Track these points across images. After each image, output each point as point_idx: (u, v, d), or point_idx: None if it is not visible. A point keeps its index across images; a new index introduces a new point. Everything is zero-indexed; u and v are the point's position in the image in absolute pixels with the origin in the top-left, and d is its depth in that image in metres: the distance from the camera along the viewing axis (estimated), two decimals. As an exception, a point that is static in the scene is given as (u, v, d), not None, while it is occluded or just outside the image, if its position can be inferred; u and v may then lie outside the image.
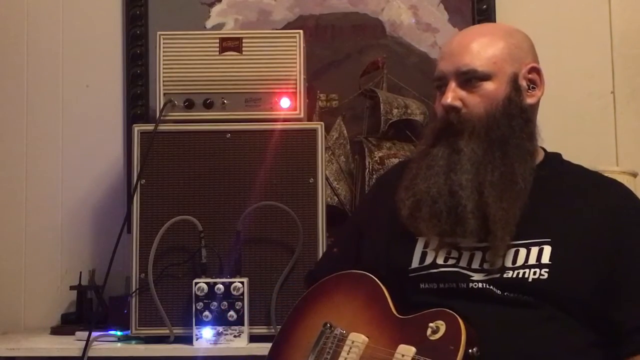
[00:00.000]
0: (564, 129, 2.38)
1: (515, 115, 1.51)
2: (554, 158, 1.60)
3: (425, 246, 1.52)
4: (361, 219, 1.73)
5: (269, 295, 1.98)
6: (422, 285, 1.49)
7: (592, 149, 2.35)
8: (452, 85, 1.52)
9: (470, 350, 1.34)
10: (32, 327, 2.38)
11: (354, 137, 2.40)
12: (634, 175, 2.20)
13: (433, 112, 2.25)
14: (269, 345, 1.90)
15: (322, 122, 2.09)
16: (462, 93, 1.51)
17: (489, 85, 1.51)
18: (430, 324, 1.39)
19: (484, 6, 2.41)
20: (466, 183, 1.45)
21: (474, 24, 2.40)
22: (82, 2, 2.51)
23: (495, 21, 2.39)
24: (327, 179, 2.25)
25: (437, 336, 1.38)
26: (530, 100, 1.55)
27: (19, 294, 2.44)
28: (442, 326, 1.38)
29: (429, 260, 1.50)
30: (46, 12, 2.50)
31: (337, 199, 2.31)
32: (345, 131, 2.39)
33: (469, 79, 1.51)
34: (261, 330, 1.98)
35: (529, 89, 1.55)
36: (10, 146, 2.48)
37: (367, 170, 2.32)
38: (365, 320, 1.48)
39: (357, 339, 1.45)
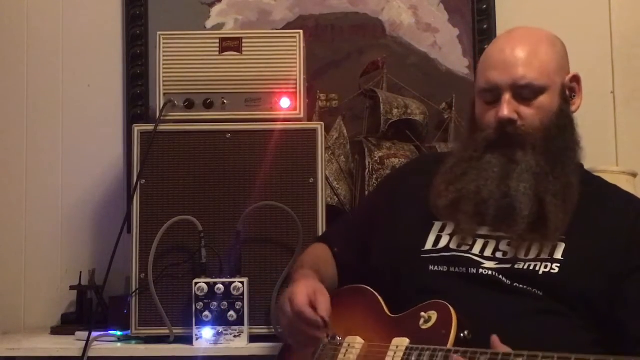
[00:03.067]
0: (564, 129, 2.38)
1: (567, 126, 1.55)
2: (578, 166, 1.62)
3: (441, 230, 1.55)
4: (377, 204, 1.75)
5: (269, 295, 1.98)
6: (431, 268, 1.51)
7: (592, 149, 2.32)
8: (507, 97, 1.52)
9: (462, 334, 1.36)
10: (32, 327, 2.38)
11: (354, 137, 2.40)
12: (634, 175, 2.20)
13: (433, 111, 2.24)
14: (269, 345, 1.91)
15: (322, 122, 2.09)
16: (518, 105, 1.52)
17: (544, 98, 1.53)
18: (422, 314, 1.42)
19: (484, 6, 2.41)
20: (524, 190, 1.47)
21: (474, 24, 2.41)
22: (82, 2, 2.51)
23: (495, 21, 2.40)
24: (327, 179, 2.25)
25: (430, 324, 1.41)
26: (573, 109, 1.59)
27: (19, 294, 2.44)
28: (434, 315, 1.41)
29: (442, 243, 1.53)
30: (46, 12, 2.50)
31: (337, 199, 2.31)
32: (345, 131, 2.38)
33: (525, 91, 1.52)
34: (261, 330, 1.98)
35: (571, 97, 1.59)
36: (10, 146, 2.48)
37: (367, 170, 2.31)
38: (361, 325, 1.50)
39: (354, 341, 1.48)
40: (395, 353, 1.40)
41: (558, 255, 1.46)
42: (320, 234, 1.97)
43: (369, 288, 1.57)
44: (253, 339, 1.96)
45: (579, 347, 1.41)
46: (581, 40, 2.42)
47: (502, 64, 1.54)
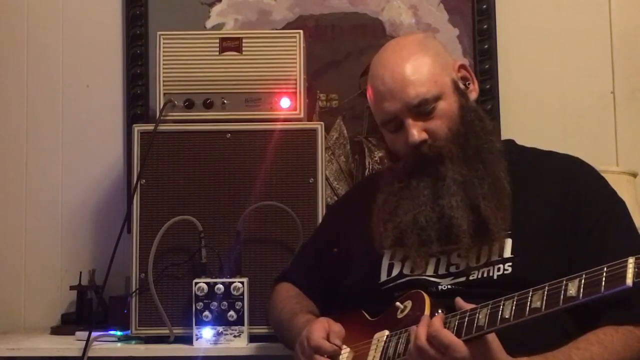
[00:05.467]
0: (564, 129, 2.38)
1: (473, 120, 1.54)
2: (508, 145, 1.61)
3: (392, 258, 1.56)
4: (327, 239, 1.76)
5: (269, 295, 1.97)
6: (396, 294, 1.52)
7: (592, 149, 2.34)
8: (410, 121, 1.52)
9: (436, 313, 1.38)
10: (32, 327, 2.38)
11: (354, 137, 2.40)
12: (634, 175, 2.20)
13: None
14: (269, 345, 1.91)
15: (322, 122, 2.10)
16: (423, 124, 1.52)
17: (442, 105, 1.53)
18: (398, 304, 1.46)
19: (484, 6, 2.41)
20: (457, 204, 1.48)
21: (474, 24, 2.40)
22: (82, 2, 2.51)
23: (495, 21, 2.40)
24: (327, 179, 2.25)
25: (406, 312, 1.44)
26: (473, 97, 1.59)
27: (19, 294, 2.44)
28: (409, 304, 1.45)
29: (395, 271, 1.54)
30: (46, 12, 2.50)
31: (337, 199, 2.31)
32: (345, 131, 2.39)
33: (422, 108, 1.52)
34: (261, 330, 1.98)
35: (466, 86, 1.58)
36: (10, 146, 2.48)
37: (367, 170, 2.32)
38: (347, 336, 1.50)
39: (344, 352, 1.48)
40: (377, 346, 1.44)
41: (507, 253, 1.46)
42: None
43: (355, 309, 1.58)
44: (253, 339, 1.96)
45: (550, 321, 1.38)
46: (581, 40, 2.43)
47: (389, 94, 1.54)
